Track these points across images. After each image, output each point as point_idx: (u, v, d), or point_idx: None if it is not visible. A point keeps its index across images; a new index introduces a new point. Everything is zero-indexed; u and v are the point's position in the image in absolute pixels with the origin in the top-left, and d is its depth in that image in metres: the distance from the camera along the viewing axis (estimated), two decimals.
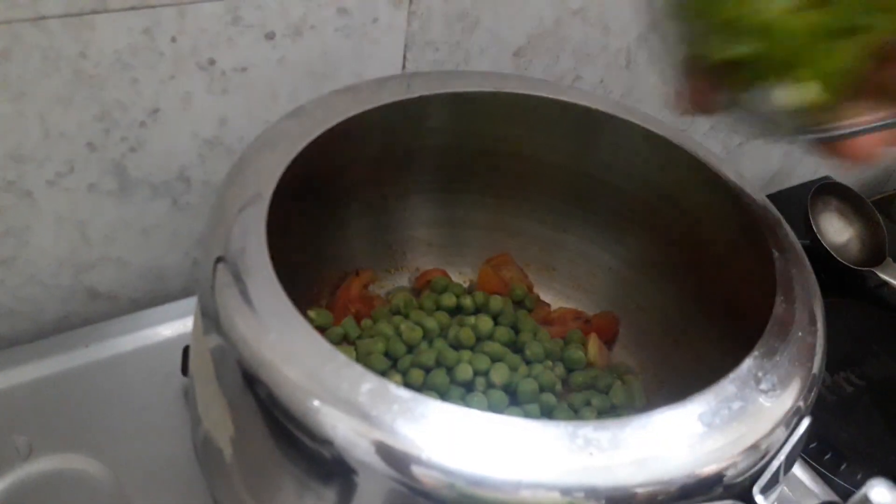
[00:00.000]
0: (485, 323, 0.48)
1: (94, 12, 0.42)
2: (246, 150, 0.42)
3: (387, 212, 0.53)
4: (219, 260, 0.36)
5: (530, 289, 0.54)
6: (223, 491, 0.38)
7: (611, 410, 0.46)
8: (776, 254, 0.37)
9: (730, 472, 0.28)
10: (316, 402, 0.29)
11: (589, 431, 0.28)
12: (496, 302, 0.51)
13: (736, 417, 0.29)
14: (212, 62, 0.48)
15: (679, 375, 0.50)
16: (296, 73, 0.51)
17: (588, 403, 0.45)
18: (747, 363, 0.31)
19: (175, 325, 0.55)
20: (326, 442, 0.29)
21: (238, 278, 0.35)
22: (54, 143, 0.46)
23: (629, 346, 0.52)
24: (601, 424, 0.28)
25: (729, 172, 0.43)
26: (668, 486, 0.27)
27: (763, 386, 0.30)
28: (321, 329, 0.47)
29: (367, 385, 0.29)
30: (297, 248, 0.49)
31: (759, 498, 0.28)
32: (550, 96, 0.46)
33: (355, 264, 0.53)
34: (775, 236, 0.39)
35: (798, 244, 0.39)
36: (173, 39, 0.46)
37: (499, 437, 0.27)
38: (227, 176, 0.41)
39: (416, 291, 0.53)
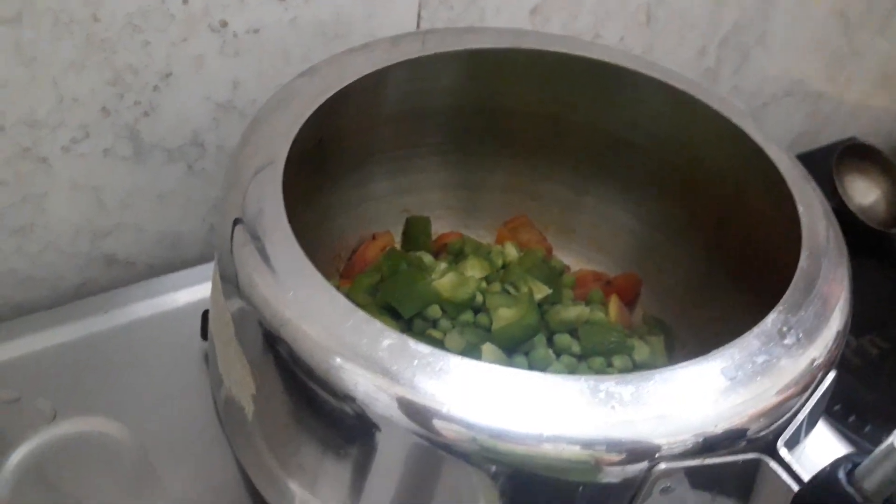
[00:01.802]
0: (510, 251, 0.49)
1: None
2: (259, 112, 0.41)
3: (403, 174, 0.52)
4: (237, 222, 0.36)
5: (549, 252, 0.54)
6: (245, 450, 0.38)
7: (633, 370, 0.45)
8: (801, 209, 0.37)
9: (753, 427, 0.27)
10: (337, 360, 0.29)
11: (611, 385, 0.27)
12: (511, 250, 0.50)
13: (760, 372, 0.29)
14: (224, 24, 0.47)
15: (702, 335, 0.49)
16: (308, 33, 0.51)
17: (610, 364, 0.45)
18: (772, 317, 0.30)
19: (193, 291, 0.55)
20: (348, 398, 0.28)
21: (256, 239, 0.34)
22: (68, 108, 0.46)
23: (651, 307, 0.52)
24: (623, 378, 0.27)
25: (753, 128, 0.42)
26: (690, 440, 0.27)
27: (787, 340, 0.30)
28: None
29: (387, 341, 0.29)
30: (312, 212, 0.48)
31: (783, 451, 0.27)
32: (570, 52, 0.45)
33: (372, 228, 0.52)
34: (801, 191, 0.38)
35: (824, 199, 0.38)
36: (185, 1, 0.45)
37: (520, 391, 0.27)
38: (241, 138, 0.40)
39: (434, 254, 0.52)
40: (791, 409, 0.28)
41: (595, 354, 0.45)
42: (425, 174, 0.53)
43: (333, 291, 0.30)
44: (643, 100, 0.46)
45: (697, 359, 0.29)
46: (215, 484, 0.45)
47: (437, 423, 0.27)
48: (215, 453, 0.46)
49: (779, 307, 0.31)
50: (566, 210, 0.54)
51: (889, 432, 0.60)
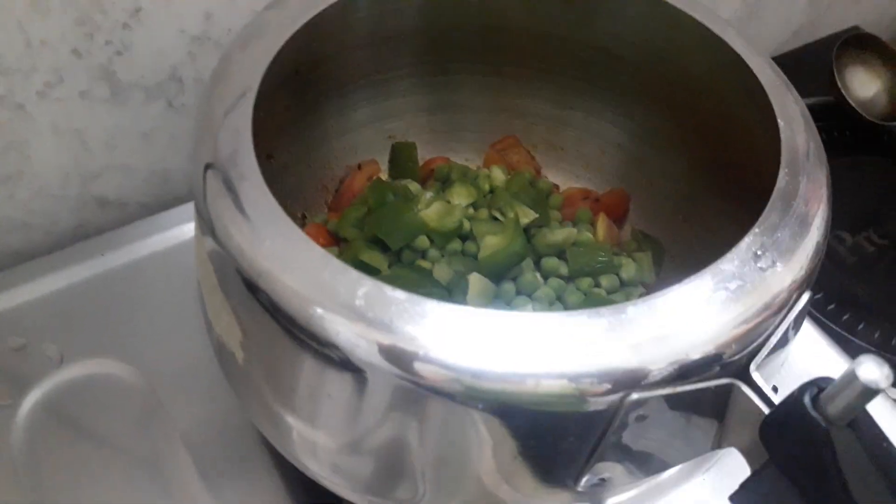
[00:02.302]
0: (497, 175, 0.49)
1: None
2: (229, 48, 0.40)
3: (385, 99, 0.51)
4: (208, 167, 0.36)
5: (538, 172, 0.53)
6: (243, 391, 0.39)
7: (621, 288, 0.46)
8: (782, 123, 0.36)
9: (726, 352, 0.28)
10: (318, 310, 0.29)
11: (583, 319, 0.28)
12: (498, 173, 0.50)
13: (733, 297, 0.29)
14: None
15: (692, 248, 0.49)
16: None
17: (597, 285, 0.45)
18: (746, 241, 0.31)
19: (186, 228, 0.55)
20: (331, 345, 0.29)
21: (229, 186, 0.34)
22: (37, 52, 0.45)
23: (640, 222, 0.52)
24: (595, 312, 0.28)
25: (735, 38, 0.41)
26: (662, 369, 0.27)
27: (762, 263, 0.30)
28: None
29: (363, 289, 0.29)
30: (297, 144, 0.48)
31: (755, 375, 0.28)
32: None
33: (359, 157, 0.52)
34: (782, 104, 0.37)
35: (806, 111, 0.37)
36: None
37: (494, 330, 0.27)
38: (211, 74, 0.39)
39: (422, 181, 0.52)
40: (764, 332, 0.29)
41: (582, 275, 0.46)
42: (408, 98, 0.52)
43: (308, 240, 0.31)
44: (626, 11, 0.45)
45: (669, 287, 0.29)
46: (221, 414, 0.47)
47: (417, 366, 0.28)
48: (220, 388, 0.47)
49: (754, 229, 0.31)
50: (553, 127, 0.53)
51: (883, 329, 0.61)
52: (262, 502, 0.44)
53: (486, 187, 0.49)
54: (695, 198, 0.49)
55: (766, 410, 0.27)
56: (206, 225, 0.34)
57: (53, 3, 0.43)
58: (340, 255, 0.45)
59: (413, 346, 0.28)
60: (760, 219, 0.31)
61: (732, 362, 0.28)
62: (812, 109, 0.39)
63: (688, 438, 0.30)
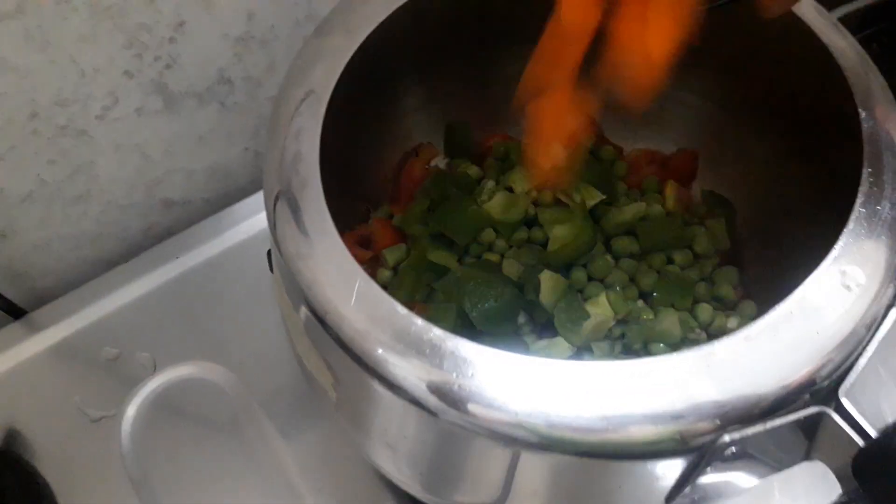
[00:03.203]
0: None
1: None
2: (293, 63, 0.40)
3: (435, 80, 0.50)
4: (278, 197, 0.36)
5: (600, 136, 0.52)
6: (327, 406, 0.40)
7: (695, 261, 0.45)
8: (863, 113, 0.34)
9: (813, 380, 0.28)
10: (380, 350, 0.30)
11: (674, 363, 0.28)
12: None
13: (820, 320, 0.28)
14: None
15: (765, 210, 0.48)
16: None
17: (670, 261, 0.45)
18: (830, 259, 0.30)
19: (252, 222, 0.56)
20: (396, 387, 0.30)
21: (297, 218, 0.35)
22: (91, 80, 0.45)
23: (709, 183, 0.50)
24: (682, 356, 0.28)
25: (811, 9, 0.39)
26: (751, 408, 0.27)
27: (848, 281, 0.29)
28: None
29: (430, 335, 0.29)
30: (350, 139, 0.47)
31: (846, 402, 0.28)
32: None
33: (413, 142, 0.51)
34: (863, 91, 0.35)
35: (891, 99, 0.35)
36: None
37: (567, 382, 0.28)
38: (285, 78, 0.39)
39: (479, 159, 0.52)
40: (851, 355, 0.29)
41: (654, 251, 0.45)
42: (458, 77, 0.50)
43: (370, 281, 0.31)
44: None
45: (754, 323, 0.29)
46: (312, 407, 0.49)
47: (474, 409, 0.28)
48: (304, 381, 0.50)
49: (839, 244, 0.30)
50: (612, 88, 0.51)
51: None
52: (357, 495, 0.47)
53: (548, 164, 0.48)
54: (767, 160, 0.47)
55: (860, 443, 0.27)
56: (278, 254, 0.35)
57: (101, 31, 0.43)
58: (409, 254, 0.45)
59: (469, 396, 0.28)
60: (843, 234, 0.30)
61: (821, 389, 0.28)
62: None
63: (776, 458, 0.30)
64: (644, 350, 0.41)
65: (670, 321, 0.41)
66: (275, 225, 0.36)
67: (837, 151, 0.40)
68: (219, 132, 0.53)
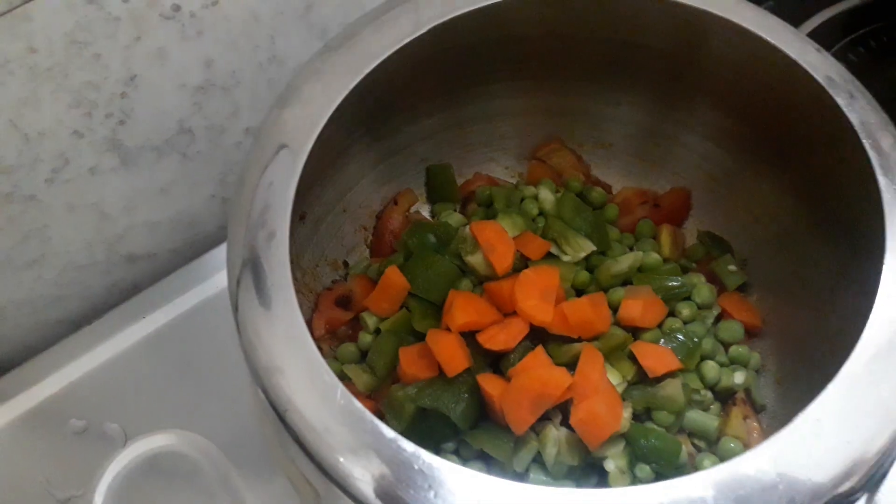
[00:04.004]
0: (545, 197, 0.45)
1: (26, 1, 0.35)
2: (262, 125, 0.37)
3: (412, 122, 0.47)
4: (241, 271, 0.34)
5: (587, 174, 0.49)
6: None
7: (698, 313, 0.43)
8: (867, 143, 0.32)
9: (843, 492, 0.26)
10: (341, 459, 0.28)
11: (692, 486, 0.25)
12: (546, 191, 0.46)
13: (842, 439, 0.26)
14: (176, 8, 0.41)
15: (760, 250, 0.46)
16: None
17: (672, 312, 0.42)
18: (855, 363, 0.27)
19: (222, 275, 0.52)
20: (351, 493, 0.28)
21: (262, 299, 0.33)
22: (37, 144, 0.41)
23: (705, 221, 0.48)
24: (700, 478, 0.25)
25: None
26: None
27: (876, 382, 0.27)
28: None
29: (389, 446, 0.27)
30: (326, 192, 0.44)
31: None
32: None
33: (392, 188, 0.48)
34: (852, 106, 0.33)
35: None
36: (125, 0, 0.38)
37: None
38: (255, 136, 0.37)
39: (463, 203, 0.48)
40: (885, 461, 0.26)
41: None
42: (436, 117, 0.47)
43: (332, 378, 0.29)
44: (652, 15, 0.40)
45: (768, 442, 0.26)
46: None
47: None
48: None
49: (861, 346, 0.28)
50: (598, 124, 0.48)
51: None
52: None
53: (535, 211, 0.45)
54: (762, 195, 0.45)
55: None
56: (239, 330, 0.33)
57: (43, 93, 0.39)
58: (391, 321, 0.42)
59: None
60: (860, 345, 0.28)
61: (852, 501, 0.26)
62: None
63: None
64: (649, 420, 0.39)
65: (672, 387, 0.39)
66: (236, 296, 0.33)
67: (840, 182, 0.38)
68: (182, 183, 0.50)
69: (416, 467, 0.27)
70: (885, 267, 0.33)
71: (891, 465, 0.26)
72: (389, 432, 0.28)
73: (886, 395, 0.27)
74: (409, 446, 0.27)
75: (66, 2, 0.37)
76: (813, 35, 0.57)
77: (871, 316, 0.30)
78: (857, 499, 0.26)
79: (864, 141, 0.34)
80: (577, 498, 0.26)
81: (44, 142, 0.41)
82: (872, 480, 0.26)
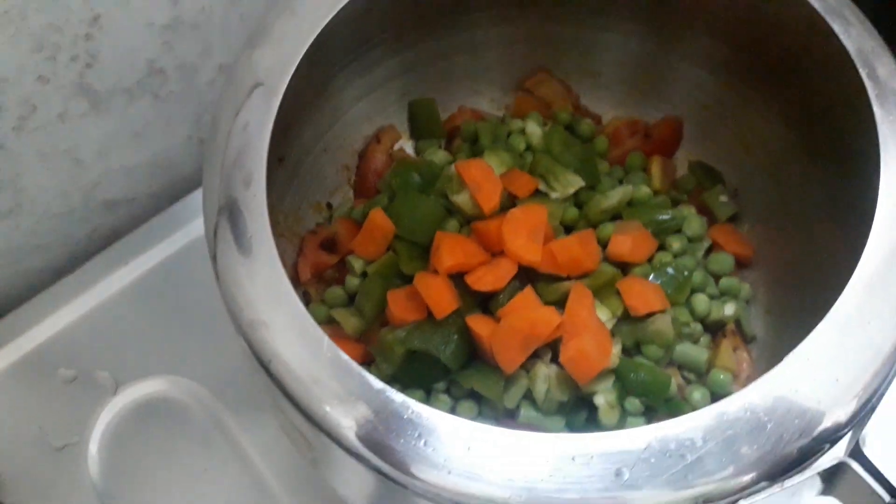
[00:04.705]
0: (532, 131, 0.44)
1: None
2: (237, 61, 0.35)
3: (393, 55, 0.45)
4: (220, 214, 0.33)
5: (576, 105, 0.48)
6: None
7: (688, 246, 0.42)
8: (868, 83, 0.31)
9: (837, 428, 0.26)
10: (328, 409, 0.28)
11: (680, 428, 0.25)
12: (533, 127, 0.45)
13: (832, 373, 0.26)
14: None
15: (753, 183, 0.45)
16: None
17: (662, 246, 0.42)
18: (845, 301, 0.27)
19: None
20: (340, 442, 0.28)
21: (241, 246, 0.32)
22: (0, 90, 0.39)
23: (696, 151, 0.47)
24: (690, 418, 0.25)
25: None
26: (776, 464, 0.25)
27: (866, 320, 0.26)
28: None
29: (377, 396, 0.27)
30: (305, 132, 0.43)
31: (867, 451, 0.26)
32: None
33: (374, 125, 0.47)
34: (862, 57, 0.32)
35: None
36: None
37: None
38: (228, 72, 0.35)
39: (448, 139, 0.47)
40: (873, 397, 0.26)
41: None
42: (419, 47, 0.45)
43: (317, 329, 0.29)
44: None
45: (762, 379, 0.26)
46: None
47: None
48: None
49: (853, 284, 0.27)
50: (587, 52, 0.47)
51: None
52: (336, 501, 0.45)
53: (522, 146, 0.44)
54: (753, 124, 0.44)
55: (886, 498, 0.25)
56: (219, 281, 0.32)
57: (2, 37, 0.37)
58: (377, 264, 0.41)
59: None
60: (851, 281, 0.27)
61: (838, 437, 0.26)
62: None
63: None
64: (638, 354, 0.39)
65: (662, 321, 0.38)
66: (214, 245, 0.33)
67: (833, 110, 0.37)
68: (156, 125, 0.48)
69: (405, 416, 0.27)
70: (880, 194, 0.32)
71: (878, 402, 0.26)
72: (377, 382, 0.27)
73: (875, 333, 0.27)
74: (397, 396, 0.27)
75: None
76: None
77: (865, 252, 0.30)
78: (844, 434, 0.26)
79: (859, 69, 0.32)
80: (566, 441, 0.26)
81: (7, 88, 0.40)
82: (858, 417, 0.26)
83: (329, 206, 0.46)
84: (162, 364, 0.48)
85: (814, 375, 0.26)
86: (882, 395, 0.26)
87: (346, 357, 0.28)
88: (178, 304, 0.50)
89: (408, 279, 0.40)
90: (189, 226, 0.51)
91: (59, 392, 0.47)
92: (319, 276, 0.43)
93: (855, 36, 0.34)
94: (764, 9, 0.38)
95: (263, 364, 0.30)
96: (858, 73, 0.34)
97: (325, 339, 0.28)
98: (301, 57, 0.35)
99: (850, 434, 0.26)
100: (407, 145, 0.48)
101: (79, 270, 0.50)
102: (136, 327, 0.49)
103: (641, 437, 0.25)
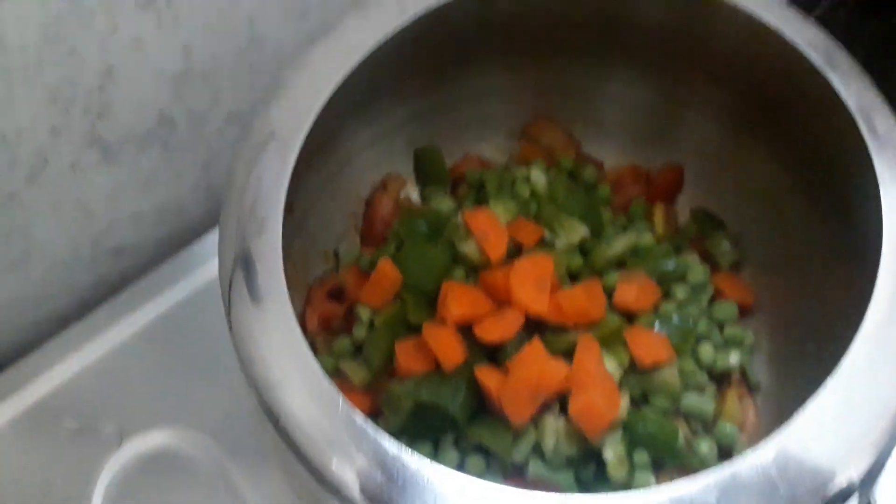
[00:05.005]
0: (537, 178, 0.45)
1: None
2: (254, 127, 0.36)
3: (399, 104, 0.45)
4: (233, 273, 0.33)
5: (578, 151, 0.48)
6: None
7: (692, 295, 0.43)
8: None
9: (851, 485, 0.26)
10: (334, 466, 0.28)
11: (692, 490, 0.25)
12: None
13: (851, 420, 0.26)
14: None
15: (755, 226, 0.45)
16: None
17: (667, 294, 0.42)
18: (854, 356, 0.27)
19: (213, 264, 0.51)
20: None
21: (255, 297, 0.33)
22: (14, 144, 0.40)
23: (697, 197, 0.47)
24: (700, 479, 0.25)
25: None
26: None
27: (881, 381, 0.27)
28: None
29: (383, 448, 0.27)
30: (313, 181, 0.43)
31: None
32: None
33: (381, 171, 0.47)
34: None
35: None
36: None
37: None
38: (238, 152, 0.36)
39: (453, 186, 0.48)
40: (883, 455, 0.26)
41: None
42: (424, 98, 0.46)
43: (327, 383, 0.29)
44: None
45: (774, 435, 0.26)
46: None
47: None
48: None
49: (860, 335, 0.28)
50: (589, 99, 0.47)
51: None
52: None
53: (527, 194, 0.45)
54: (754, 169, 0.44)
55: None
56: (234, 336, 0.33)
57: (17, 92, 0.38)
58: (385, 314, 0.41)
59: None
60: (865, 320, 0.28)
61: (850, 496, 0.26)
62: None
63: None
64: (645, 405, 0.39)
65: (668, 372, 0.39)
66: (229, 299, 0.34)
67: (834, 159, 0.38)
68: (165, 173, 0.49)
69: (415, 478, 0.27)
70: (883, 246, 0.33)
71: (887, 459, 0.27)
72: (392, 446, 0.27)
73: (885, 388, 0.27)
74: (410, 460, 0.27)
75: None
76: None
77: (871, 304, 0.30)
78: (854, 493, 0.26)
79: (859, 123, 0.33)
80: (580, 503, 0.26)
81: (21, 142, 0.40)
82: (870, 476, 0.26)
83: (336, 253, 0.46)
84: (168, 415, 0.47)
85: (825, 433, 0.26)
86: (891, 450, 0.26)
87: (361, 419, 0.28)
88: (185, 352, 0.49)
89: (415, 329, 0.40)
90: (197, 272, 0.51)
91: (63, 444, 0.47)
92: (327, 326, 0.43)
93: (854, 90, 0.34)
94: (765, 60, 0.39)
95: (274, 422, 0.30)
96: (858, 125, 0.35)
97: (341, 399, 0.28)
98: (314, 116, 0.36)
99: (860, 492, 0.26)
100: (413, 192, 0.48)
101: (85, 318, 0.50)
102: (143, 376, 0.49)
103: (656, 498, 0.25)
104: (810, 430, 0.27)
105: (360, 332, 0.42)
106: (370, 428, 0.28)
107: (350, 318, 0.43)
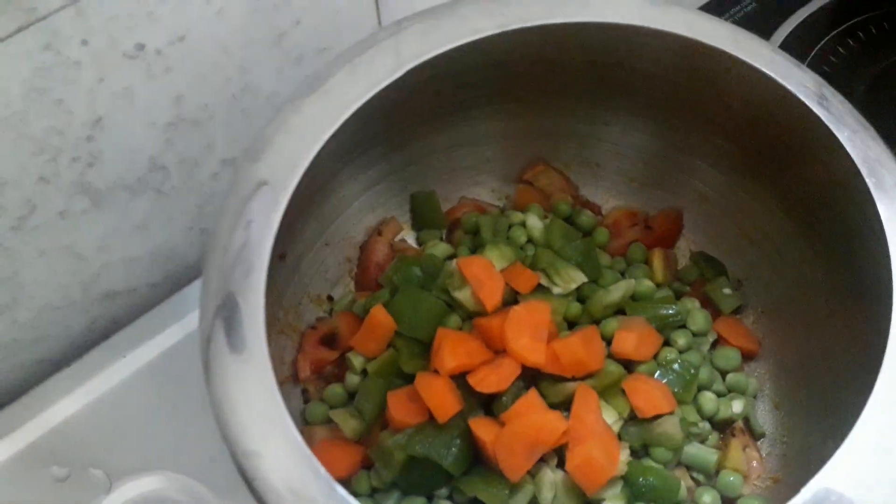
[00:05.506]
0: (533, 224, 0.45)
1: None
2: (240, 170, 0.36)
3: (394, 150, 0.45)
4: (215, 316, 0.33)
5: (575, 196, 0.48)
6: None
7: (692, 341, 0.42)
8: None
9: None
10: None
11: None
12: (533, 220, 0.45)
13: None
14: (140, 47, 0.39)
15: (754, 271, 0.44)
16: (242, 20, 0.41)
17: (668, 342, 0.41)
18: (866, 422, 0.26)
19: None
20: None
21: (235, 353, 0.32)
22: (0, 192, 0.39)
23: (698, 241, 0.47)
24: None
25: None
26: None
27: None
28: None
29: None
30: (307, 228, 0.43)
31: None
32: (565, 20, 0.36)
33: (376, 216, 0.47)
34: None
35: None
36: (84, 42, 0.37)
37: None
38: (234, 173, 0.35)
39: (449, 231, 0.47)
40: None
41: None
42: (420, 142, 0.45)
43: (305, 450, 0.28)
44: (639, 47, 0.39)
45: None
46: None
47: None
48: None
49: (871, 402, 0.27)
50: (586, 143, 0.47)
51: None
52: None
53: (523, 239, 0.44)
54: (755, 213, 0.43)
55: None
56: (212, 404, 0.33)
57: (3, 142, 0.37)
58: (378, 362, 0.41)
59: None
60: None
61: None
62: None
63: None
64: (646, 456, 0.38)
65: (670, 423, 0.37)
66: (207, 357, 0.33)
67: (846, 209, 0.37)
68: (158, 218, 0.48)
69: None
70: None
71: None
72: None
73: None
74: None
75: (22, 49, 0.35)
76: (802, 25, 0.57)
77: (889, 338, 0.29)
78: None
79: (865, 177, 0.33)
80: None
81: (7, 190, 0.39)
82: None
83: (330, 298, 0.45)
84: (158, 460, 0.46)
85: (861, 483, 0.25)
86: None
87: (341, 489, 0.27)
88: (176, 396, 0.49)
89: (409, 378, 0.39)
90: (188, 317, 0.50)
91: (50, 493, 0.46)
92: (319, 372, 0.42)
93: (860, 143, 0.34)
94: (766, 110, 0.39)
95: (247, 484, 0.30)
96: (858, 168, 0.34)
97: (322, 471, 0.27)
98: (305, 167, 0.35)
99: None
100: (409, 236, 0.48)
101: (75, 363, 0.49)
102: (133, 421, 0.48)
103: None
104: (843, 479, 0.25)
105: (352, 379, 0.41)
106: (351, 499, 0.27)
107: (342, 364, 0.42)
